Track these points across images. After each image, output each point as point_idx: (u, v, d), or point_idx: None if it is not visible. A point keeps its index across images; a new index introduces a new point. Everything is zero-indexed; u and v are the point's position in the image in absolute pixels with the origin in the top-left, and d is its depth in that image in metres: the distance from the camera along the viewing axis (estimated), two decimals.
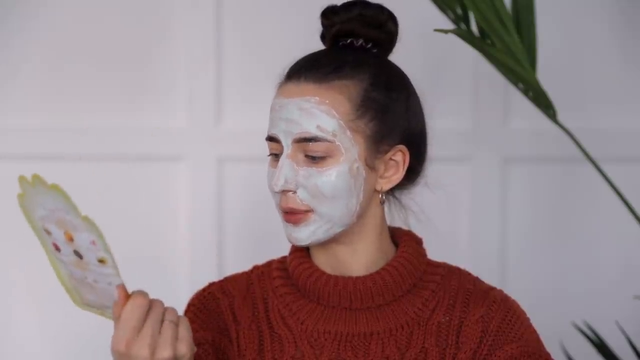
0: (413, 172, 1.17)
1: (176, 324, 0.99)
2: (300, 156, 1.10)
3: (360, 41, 1.15)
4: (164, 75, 1.95)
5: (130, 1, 1.94)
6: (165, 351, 0.97)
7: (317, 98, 1.09)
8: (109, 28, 1.94)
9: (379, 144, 1.12)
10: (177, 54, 1.95)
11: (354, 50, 1.15)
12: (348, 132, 1.09)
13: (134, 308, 0.97)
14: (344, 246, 1.15)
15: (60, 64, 1.94)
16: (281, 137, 1.10)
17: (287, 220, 1.11)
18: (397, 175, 1.14)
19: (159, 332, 0.97)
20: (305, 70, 1.11)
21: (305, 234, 1.11)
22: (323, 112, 1.09)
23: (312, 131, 1.08)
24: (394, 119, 1.13)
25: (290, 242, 1.13)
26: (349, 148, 1.09)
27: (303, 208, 1.09)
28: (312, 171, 1.09)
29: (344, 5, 1.15)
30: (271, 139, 1.12)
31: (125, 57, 1.94)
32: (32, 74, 1.93)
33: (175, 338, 0.98)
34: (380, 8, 1.15)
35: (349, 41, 1.15)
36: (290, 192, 1.10)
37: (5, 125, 1.93)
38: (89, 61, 1.94)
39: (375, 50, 1.16)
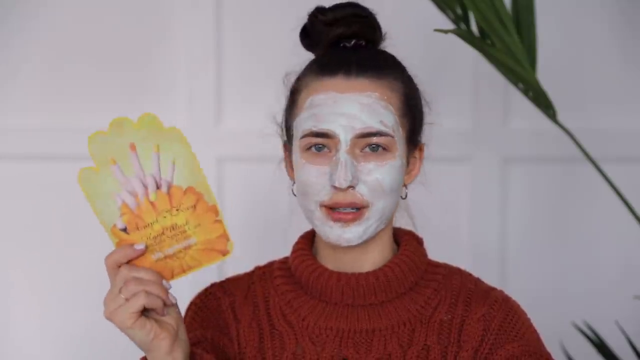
0: None
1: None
2: (357, 151, 1.09)
3: (363, 42, 1.16)
4: (164, 75, 1.95)
5: (130, 1, 1.94)
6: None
7: (377, 94, 1.09)
8: (109, 28, 1.94)
9: (412, 140, 1.15)
10: (177, 54, 1.95)
11: (378, 50, 1.17)
12: (400, 128, 1.11)
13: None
14: (364, 243, 1.14)
15: (60, 64, 1.94)
16: (340, 132, 1.08)
17: (337, 219, 1.09)
18: (415, 170, 1.17)
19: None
20: (355, 65, 1.11)
21: (357, 234, 1.10)
22: (383, 108, 1.09)
23: (376, 126, 1.08)
24: (421, 115, 1.17)
25: (338, 243, 1.10)
26: (401, 143, 1.11)
27: (363, 204, 1.09)
28: (371, 166, 1.09)
29: (339, 5, 1.15)
30: (320, 134, 1.09)
31: (125, 57, 1.94)
32: (32, 74, 1.93)
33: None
34: (368, 9, 1.17)
35: (352, 43, 1.15)
36: (351, 188, 1.08)
37: (5, 125, 1.93)
38: (89, 61, 1.94)
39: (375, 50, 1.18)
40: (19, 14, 1.93)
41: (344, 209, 1.09)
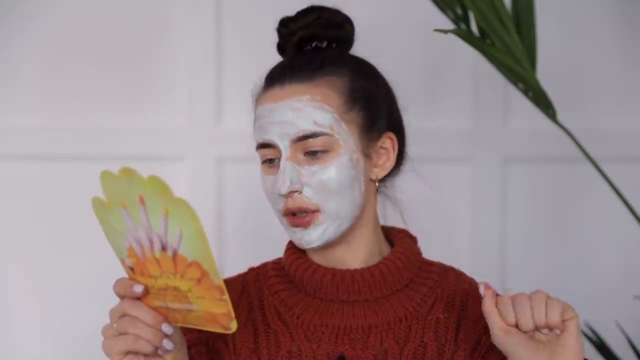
0: (399, 157, 1.19)
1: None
2: (300, 156, 1.10)
3: (324, 43, 1.17)
4: (164, 75, 1.95)
5: (130, 1, 1.94)
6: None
7: (307, 96, 1.10)
8: (109, 28, 1.94)
9: (370, 132, 1.14)
10: (177, 54, 1.95)
11: (325, 50, 1.17)
12: (343, 124, 1.11)
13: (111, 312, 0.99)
14: (342, 241, 1.15)
15: (60, 64, 1.94)
16: (277, 141, 1.10)
17: (295, 225, 1.11)
18: (389, 162, 1.16)
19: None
20: (288, 73, 1.13)
21: (317, 235, 1.11)
22: (317, 108, 1.10)
23: (310, 128, 1.09)
24: (379, 106, 1.15)
25: (301, 246, 1.13)
26: (347, 140, 1.11)
27: (312, 207, 1.10)
28: (314, 168, 1.10)
29: (301, 12, 1.17)
30: (264, 145, 1.12)
31: (125, 57, 1.94)
32: (32, 74, 1.93)
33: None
34: (336, 11, 1.18)
35: (314, 45, 1.17)
36: (296, 193, 1.10)
37: (5, 125, 1.93)
38: (89, 61, 1.94)
39: (338, 50, 1.18)
40: (18, 14, 1.93)
41: (299, 214, 1.11)
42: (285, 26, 1.17)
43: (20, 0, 1.92)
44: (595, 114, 1.98)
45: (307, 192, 1.10)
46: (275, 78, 1.14)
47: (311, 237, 1.11)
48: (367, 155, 1.13)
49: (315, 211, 1.10)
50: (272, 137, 1.11)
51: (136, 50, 1.95)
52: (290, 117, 1.10)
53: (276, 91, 1.12)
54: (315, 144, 1.09)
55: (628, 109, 1.99)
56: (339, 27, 1.17)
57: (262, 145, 1.13)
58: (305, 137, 1.09)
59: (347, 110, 1.12)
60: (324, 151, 1.10)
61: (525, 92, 1.62)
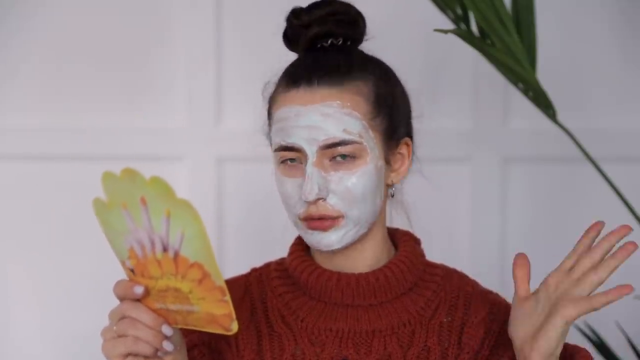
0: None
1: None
2: (326, 162, 1.08)
3: (340, 40, 1.15)
4: (164, 76, 1.95)
5: (130, 1, 1.94)
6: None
7: (338, 102, 1.08)
8: (108, 28, 1.94)
9: (392, 139, 1.13)
10: (177, 54, 1.95)
11: (349, 50, 1.15)
12: (370, 132, 1.09)
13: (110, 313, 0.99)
14: (354, 246, 1.14)
15: (59, 64, 1.94)
16: (304, 145, 1.08)
17: (314, 228, 1.09)
18: (404, 167, 1.16)
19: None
20: (316, 75, 1.09)
21: (336, 238, 1.09)
22: (347, 115, 1.08)
23: (339, 135, 1.07)
24: (399, 112, 1.14)
25: (319, 248, 1.11)
26: (373, 147, 1.09)
27: (335, 214, 1.08)
28: (341, 175, 1.08)
29: (314, 4, 1.14)
30: (288, 148, 1.09)
31: (124, 57, 1.94)
32: (31, 74, 1.93)
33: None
34: (349, 5, 1.15)
35: (329, 42, 1.14)
36: (321, 200, 1.08)
37: (4, 125, 1.93)
38: (88, 61, 1.94)
39: (352, 48, 1.16)
40: (17, 14, 1.92)
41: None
42: (298, 17, 1.14)
43: (19, 0, 1.92)
44: (595, 114, 1.98)
45: (332, 199, 1.08)
46: (300, 79, 1.10)
47: (331, 239, 1.09)
48: (387, 162, 1.13)
49: (339, 217, 1.09)
50: (298, 141, 1.08)
51: (135, 50, 1.94)
52: (319, 122, 1.07)
53: (303, 93, 1.09)
54: (343, 151, 1.07)
55: (628, 109, 1.99)
56: (353, 23, 1.15)
57: (286, 148, 1.09)
58: (335, 145, 1.07)
59: (373, 117, 1.10)
60: (351, 157, 1.08)
61: (525, 92, 1.62)
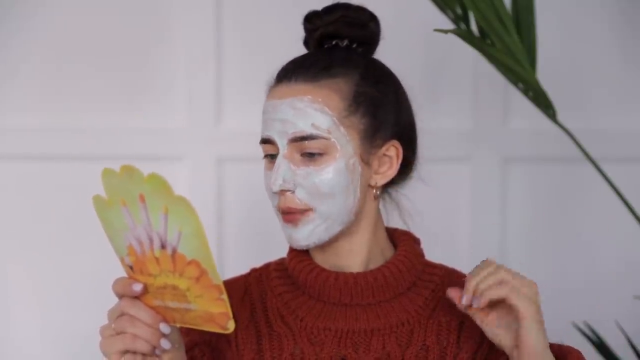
0: (405, 167, 1.18)
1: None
2: (297, 156, 1.10)
3: (345, 42, 1.17)
4: (164, 76, 1.95)
5: (130, 1, 1.94)
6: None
7: (309, 97, 1.10)
8: (108, 28, 1.94)
9: (373, 139, 1.13)
10: (177, 54, 1.95)
11: (340, 50, 1.16)
12: (342, 129, 1.10)
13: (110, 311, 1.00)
14: (341, 244, 1.15)
15: (59, 63, 1.94)
16: (276, 138, 1.11)
17: (286, 221, 1.12)
18: (391, 170, 1.15)
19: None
20: (296, 71, 1.13)
21: (304, 234, 1.11)
22: (317, 110, 1.10)
23: (307, 130, 1.09)
24: (386, 113, 1.14)
25: (290, 243, 1.13)
26: (344, 144, 1.10)
27: (302, 207, 1.10)
28: (309, 170, 1.09)
29: (327, 8, 1.17)
30: (266, 141, 1.13)
31: (124, 57, 1.94)
32: (31, 74, 1.93)
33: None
34: (362, 9, 1.17)
35: (334, 42, 1.17)
36: (289, 192, 1.10)
37: (4, 125, 1.93)
38: (88, 61, 1.94)
39: (360, 50, 1.18)
40: (17, 14, 1.92)
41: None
42: (310, 21, 1.17)
43: (19, 0, 1.92)
44: (595, 114, 1.98)
45: (300, 193, 1.10)
46: (283, 75, 1.14)
47: (298, 235, 1.11)
48: (366, 161, 1.12)
49: (306, 210, 1.10)
50: (272, 133, 1.11)
51: (135, 50, 1.94)
52: (290, 115, 1.10)
53: (282, 88, 1.12)
54: (311, 146, 1.09)
55: (628, 109, 1.99)
56: (363, 26, 1.16)
57: (264, 141, 1.13)
58: (302, 139, 1.09)
59: (348, 114, 1.11)
60: (320, 154, 1.09)
61: (525, 92, 1.62)
